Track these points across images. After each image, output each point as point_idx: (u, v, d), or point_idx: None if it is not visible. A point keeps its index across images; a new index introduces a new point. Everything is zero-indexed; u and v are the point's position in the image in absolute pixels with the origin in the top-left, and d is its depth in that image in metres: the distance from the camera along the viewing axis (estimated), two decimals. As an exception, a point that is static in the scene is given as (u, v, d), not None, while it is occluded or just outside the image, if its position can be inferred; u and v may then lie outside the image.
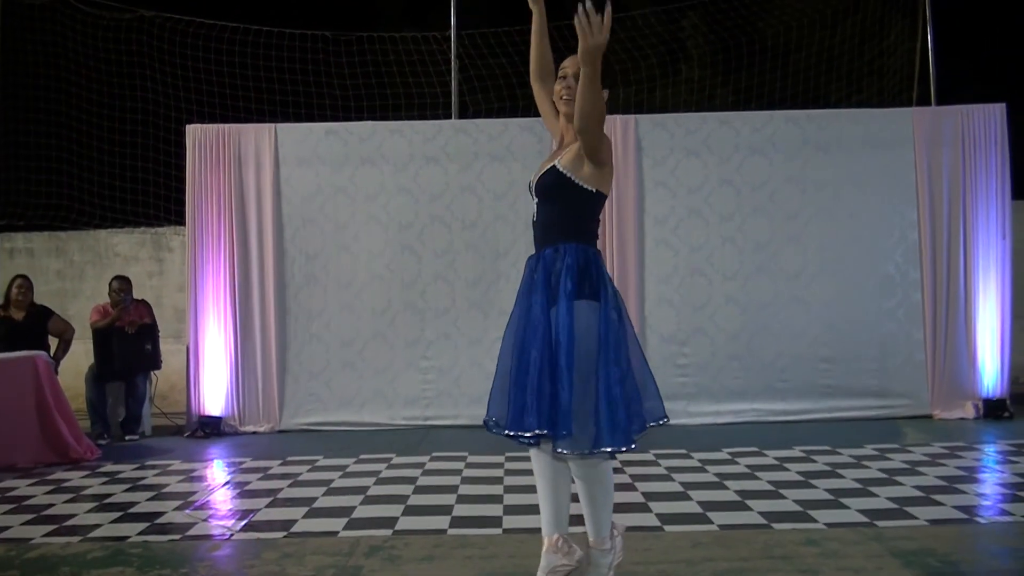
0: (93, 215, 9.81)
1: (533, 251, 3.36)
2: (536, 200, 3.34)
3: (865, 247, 7.88)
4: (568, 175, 3.24)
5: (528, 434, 3.14)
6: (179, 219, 9.67)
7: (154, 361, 7.87)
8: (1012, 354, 7.90)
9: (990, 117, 7.96)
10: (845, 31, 11.07)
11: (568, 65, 3.34)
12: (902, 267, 7.89)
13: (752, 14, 10.82)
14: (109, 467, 6.35)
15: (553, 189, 3.28)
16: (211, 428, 7.68)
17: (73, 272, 10.19)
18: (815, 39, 11.09)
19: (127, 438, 7.60)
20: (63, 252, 10.20)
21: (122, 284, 7.90)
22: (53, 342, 7.72)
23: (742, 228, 7.88)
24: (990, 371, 7.83)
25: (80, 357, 8.10)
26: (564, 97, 3.33)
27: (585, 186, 3.24)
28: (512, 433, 3.16)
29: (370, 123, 8.20)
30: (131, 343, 7.68)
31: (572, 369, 3.09)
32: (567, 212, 3.28)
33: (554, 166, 3.28)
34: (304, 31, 9.69)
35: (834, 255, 7.86)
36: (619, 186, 7.71)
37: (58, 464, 6.46)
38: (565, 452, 3.14)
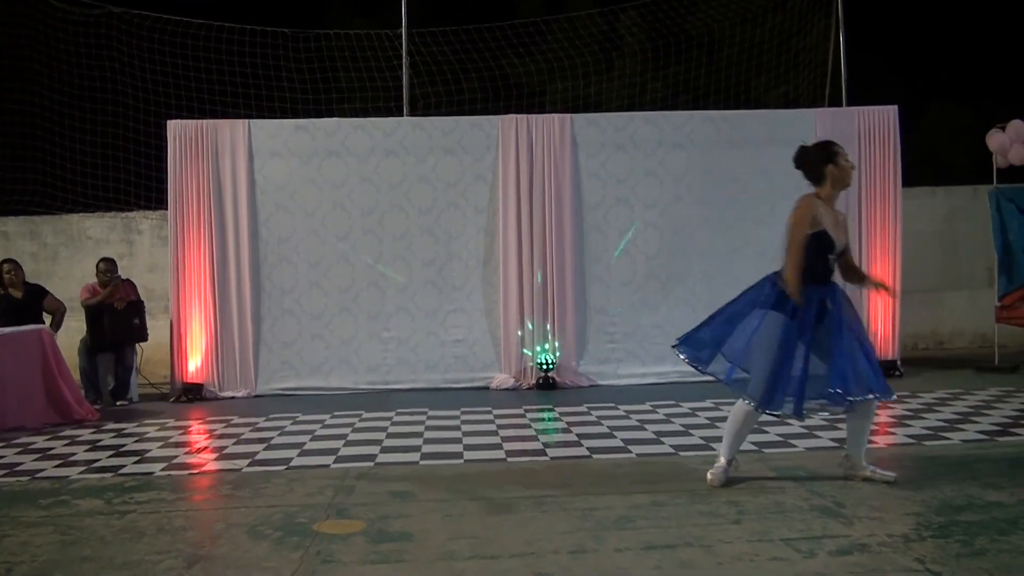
0: (66, 200, 10.41)
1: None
2: (838, 256, 4.72)
3: (771, 230, 8.94)
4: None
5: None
6: (148, 203, 10.37)
7: (142, 334, 8.68)
8: (901, 322, 9.15)
9: (884, 117, 9.18)
10: (766, 30, 12.09)
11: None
12: (803, 247, 9.01)
13: (680, 13, 11.81)
14: (111, 425, 7.20)
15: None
16: (193, 393, 8.55)
17: (47, 254, 10.72)
18: (736, 36, 12.15)
19: (118, 403, 8.39)
20: (37, 235, 10.72)
21: (109, 265, 8.68)
22: (46, 318, 8.46)
23: (663, 214, 8.97)
24: (882, 336, 9.05)
25: (60, 333, 8.73)
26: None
27: None
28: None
29: (335, 119, 9.08)
30: (121, 318, 8.47)
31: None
32: None
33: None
34: (264, 27, 10.45)
35: (743, 236, 8.96)
36: (557, 177, 8.76)
37: (63, 424, 7.27)
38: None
